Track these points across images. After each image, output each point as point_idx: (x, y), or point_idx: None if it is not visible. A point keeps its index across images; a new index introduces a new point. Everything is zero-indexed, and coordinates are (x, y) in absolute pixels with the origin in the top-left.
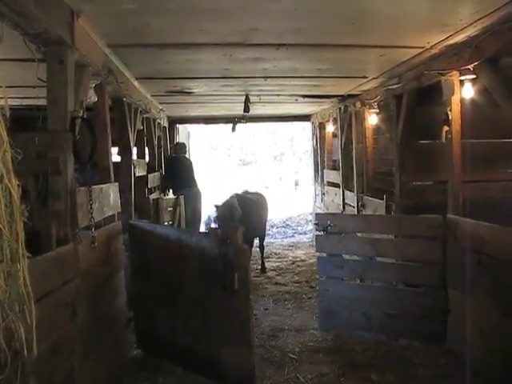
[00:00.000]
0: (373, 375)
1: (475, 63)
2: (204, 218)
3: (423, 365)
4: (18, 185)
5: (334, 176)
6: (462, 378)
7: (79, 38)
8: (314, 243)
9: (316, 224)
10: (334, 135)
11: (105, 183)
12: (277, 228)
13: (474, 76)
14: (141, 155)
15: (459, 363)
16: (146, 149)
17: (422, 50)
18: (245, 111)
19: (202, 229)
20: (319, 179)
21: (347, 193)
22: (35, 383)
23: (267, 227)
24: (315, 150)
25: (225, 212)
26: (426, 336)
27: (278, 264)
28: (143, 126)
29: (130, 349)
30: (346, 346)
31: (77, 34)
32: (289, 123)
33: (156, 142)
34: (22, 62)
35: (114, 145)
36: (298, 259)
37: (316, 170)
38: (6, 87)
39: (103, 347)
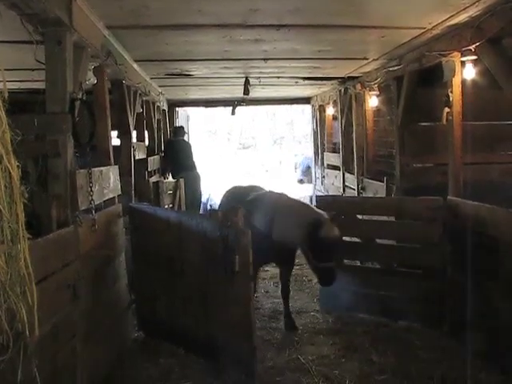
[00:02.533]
0: (373, 357)
1: (477, 44)
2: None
3: (423, 347)
4: (18, 166)
5: (334, 159)
6: (463, 359)
7: (77, 19)
8: None
9: (316, 206)
10: (334, 118)
11: (105, 166)
12: None
13: (475, 57)
14: (140, 138)
15: (459, 345)
16: (146, 132)
17: (423, 30)
18: (244, 94)
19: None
20: (319, 162)
21: (347, 175)
22: (37, 364)
23: None
24: (315, 133)
25: None
26: (426, 318)
27: None
28: (143, 109)
29: (132, 331)
30: (347, 328)
31: (75, 14)
32: (288, 106)
33: (156, 125)
34: (20, 44)
35: (113, 128)
36: None
37: (316, 153)
38: (4, 70)
39: (105, 329)
